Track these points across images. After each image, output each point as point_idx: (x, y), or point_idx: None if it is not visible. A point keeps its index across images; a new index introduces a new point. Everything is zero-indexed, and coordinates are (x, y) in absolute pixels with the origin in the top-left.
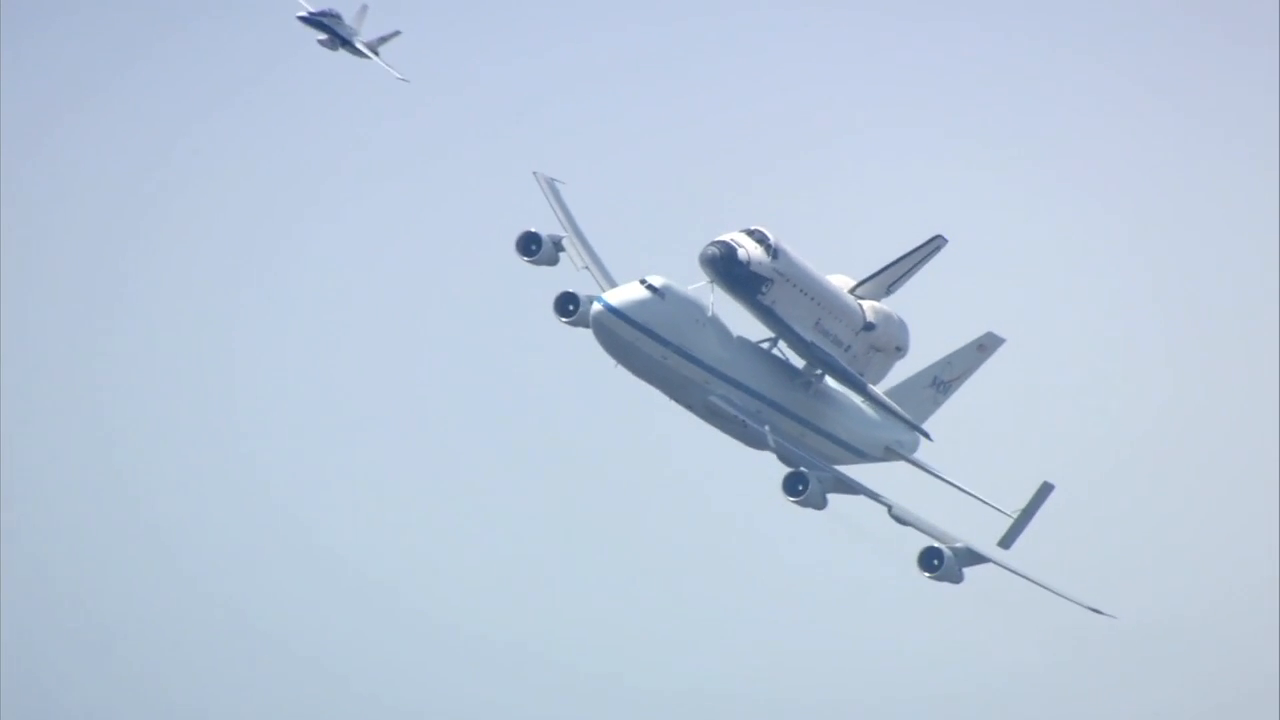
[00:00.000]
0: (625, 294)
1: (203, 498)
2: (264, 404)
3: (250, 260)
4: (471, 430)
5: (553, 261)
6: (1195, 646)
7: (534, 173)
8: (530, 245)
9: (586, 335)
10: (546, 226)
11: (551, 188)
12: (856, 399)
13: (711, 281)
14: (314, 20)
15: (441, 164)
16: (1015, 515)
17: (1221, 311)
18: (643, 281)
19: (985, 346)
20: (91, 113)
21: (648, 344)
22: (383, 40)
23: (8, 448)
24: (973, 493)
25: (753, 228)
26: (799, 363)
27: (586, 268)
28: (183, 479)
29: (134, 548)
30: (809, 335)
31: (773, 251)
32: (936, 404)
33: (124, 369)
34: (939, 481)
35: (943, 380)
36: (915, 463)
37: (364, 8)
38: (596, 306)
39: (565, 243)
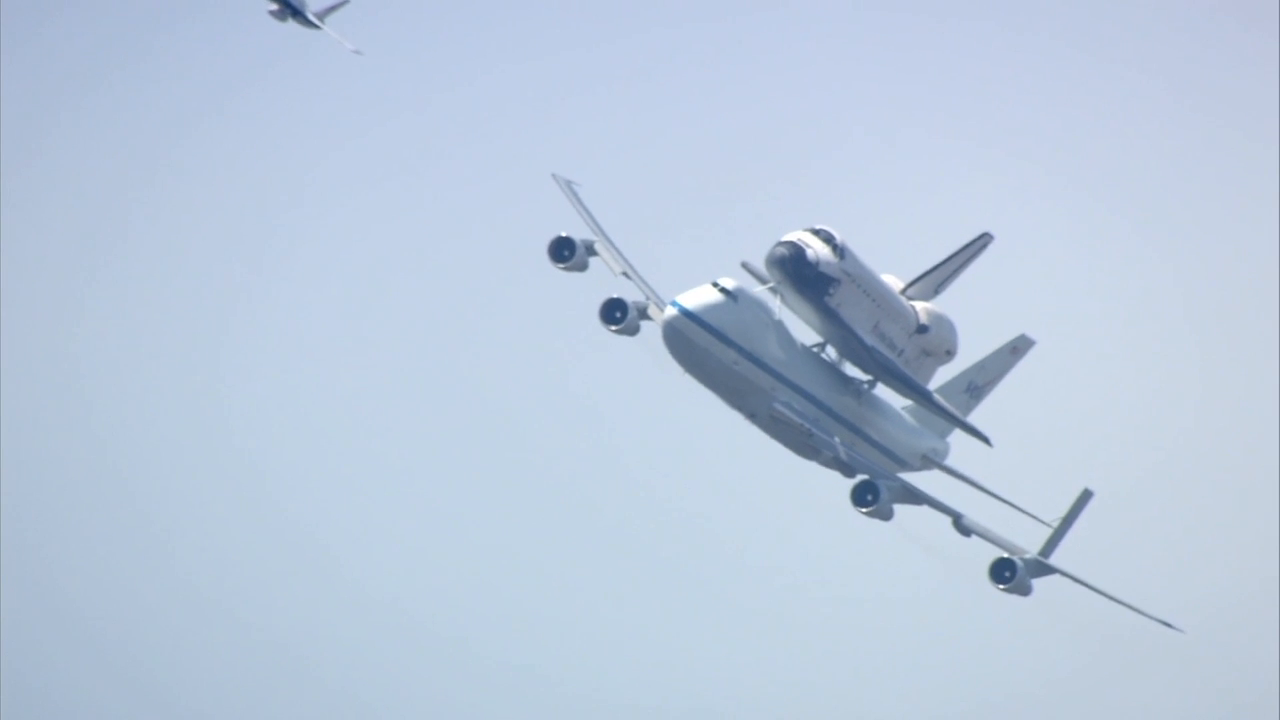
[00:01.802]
0: (700, 297)
1: (215, 505)
2: (268, 405)
3: (243, 256)
4: (511, 441)
5: (584, 267)
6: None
7: (553, 175)
8: (563, 251)
9: (629, 343)
10: (562, 228)
11: (570, 190)
12: (896, 406)
13: (778, 283)
14: None
15: (425, 152)
16: (1056, 523)
17: (1249, 312)
18: (715, 284)
19: (1018, 349)
20: (75, 110)
21: (720, 349)
22: (331, 9)
23: (8, 448)
24: (1009, 500)
25: (818, 227)
26: (849, 368)
27: (625, 273)
28: (185, 481)
29: (133, 548)
30: (870, 339)
31: (840, 251)
32: (969, 409)
33: (121, 370)
34: (972, 489)
35: (976, 385)
36: (950, 470)
37: None
38: (670, 311)
39: (598, 247)
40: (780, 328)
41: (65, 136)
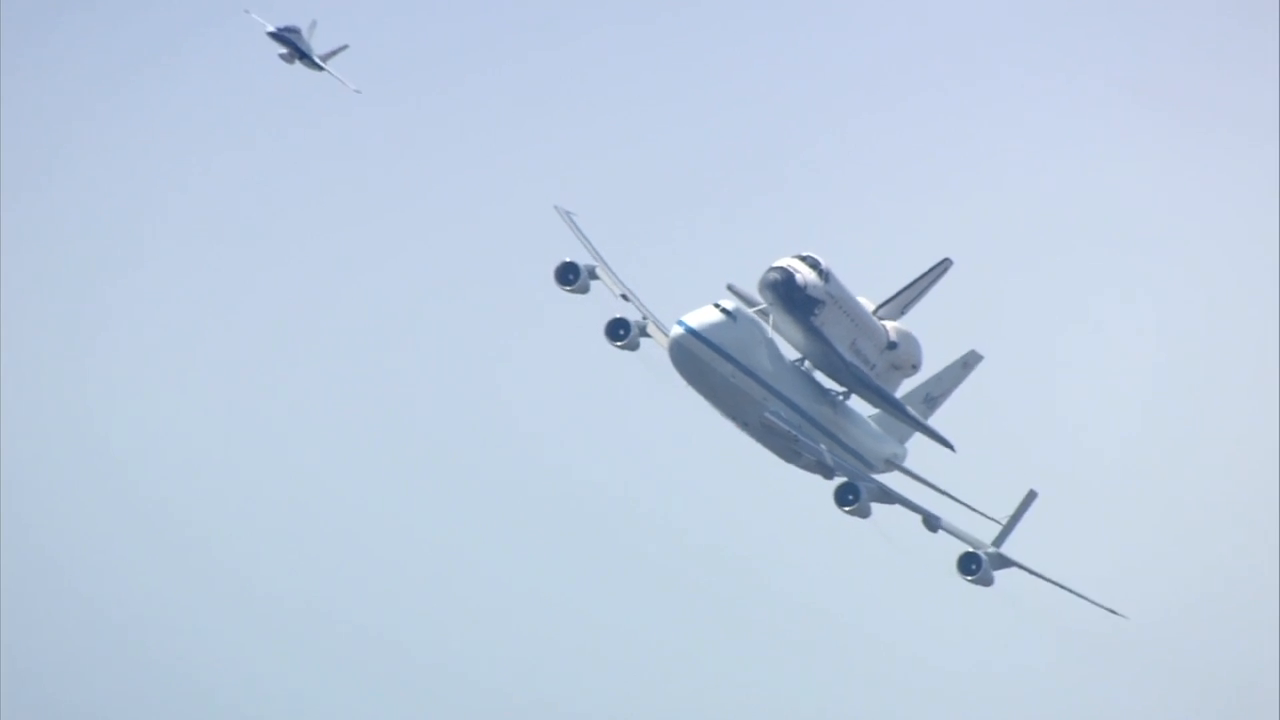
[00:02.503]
0: (703, 317)
1: (222, 511)
2: (277, 421)
3: (253, 286)
4: (521, 444)
5: (586, 290)
6: (1196, 646)
7: (555, 207)
8: (568, 275)
9: (629, 358)
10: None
11: (570, 220)
12: (863, 415)
13: (770, 304)
14: (280, 36)
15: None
16: (1004, 520)
17: (1216, 312)
18: (716, 305)
19: (968, 364)
20: (78, 132)
21: (721, 364)
22: (333, 54)
23: (8, 448)
24: (961, 499)
25: (805, 254)
26: (825, 381)
27: (624, 295)
28: (185, 481)
29: (132, 547)
30: (848, 355)
31: (825, 276)
32: (927, 417)
33: (119, 372)
34: (928, 490)
35: (933, 396)
36: (908, 472)
37: (314, 23)
38: (677, 330)
39: (599, 271)
40: (771, 344)
41: (76, 169)
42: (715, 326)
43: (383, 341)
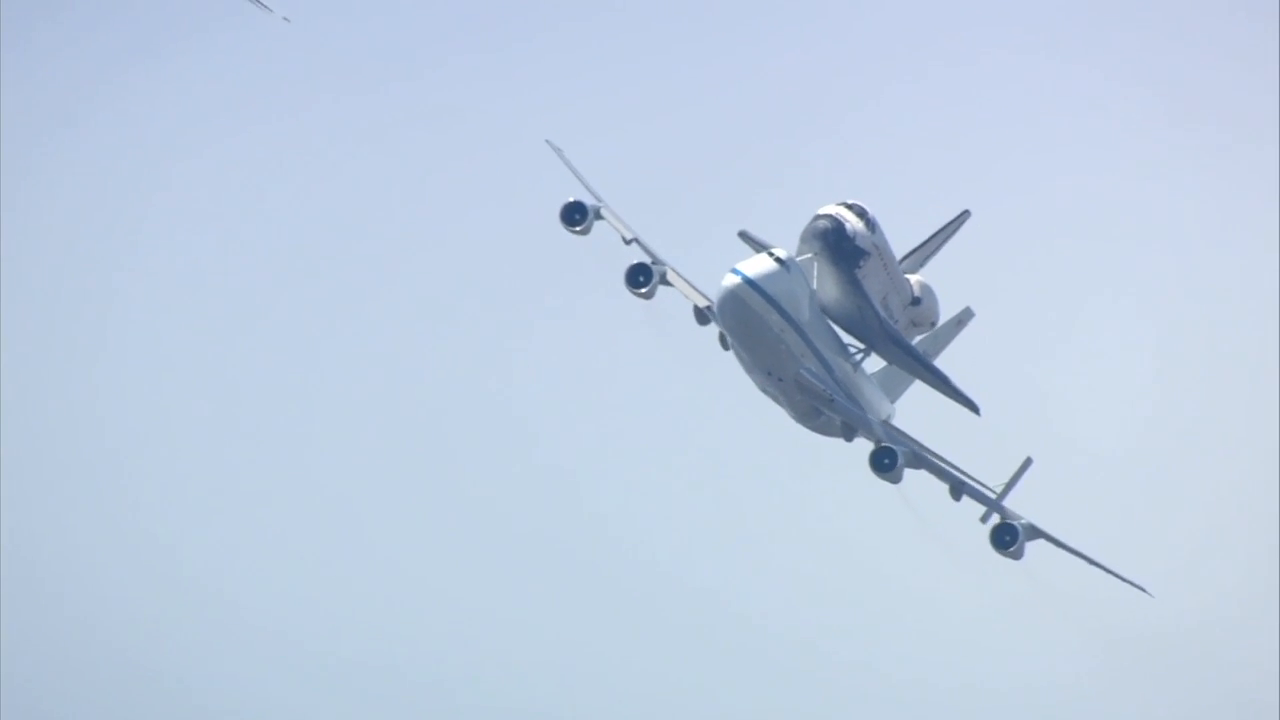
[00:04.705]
0: (760, 266)
1: (221, 508)
2: (268, 395)
3: (213, 245)
4: (531, 385)
5: (588, 232)
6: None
7: (547, 140)
8: (574, 215)
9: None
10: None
11: (564, 157)
12: (862, 373)
13: (816, 254)
14: None
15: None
16: (1000, 488)
17: (1221, 300)
18: (770, 253)
19: (962, 321)
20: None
21: (773, 316)
22: None
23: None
24: (954, 464)
25: (851, 201)
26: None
27: (635, 240)
28: (185, 482)
29: (132, 548)
30: (882, 309)
31: (871, 225)
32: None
33: (114, 369)
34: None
35: (928, 354)
36: (900, 432)
37: None
38: (732, 279)
39: (604, 212)
40: (813, 296)
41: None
42: (772, 276)
43: (367, 304)
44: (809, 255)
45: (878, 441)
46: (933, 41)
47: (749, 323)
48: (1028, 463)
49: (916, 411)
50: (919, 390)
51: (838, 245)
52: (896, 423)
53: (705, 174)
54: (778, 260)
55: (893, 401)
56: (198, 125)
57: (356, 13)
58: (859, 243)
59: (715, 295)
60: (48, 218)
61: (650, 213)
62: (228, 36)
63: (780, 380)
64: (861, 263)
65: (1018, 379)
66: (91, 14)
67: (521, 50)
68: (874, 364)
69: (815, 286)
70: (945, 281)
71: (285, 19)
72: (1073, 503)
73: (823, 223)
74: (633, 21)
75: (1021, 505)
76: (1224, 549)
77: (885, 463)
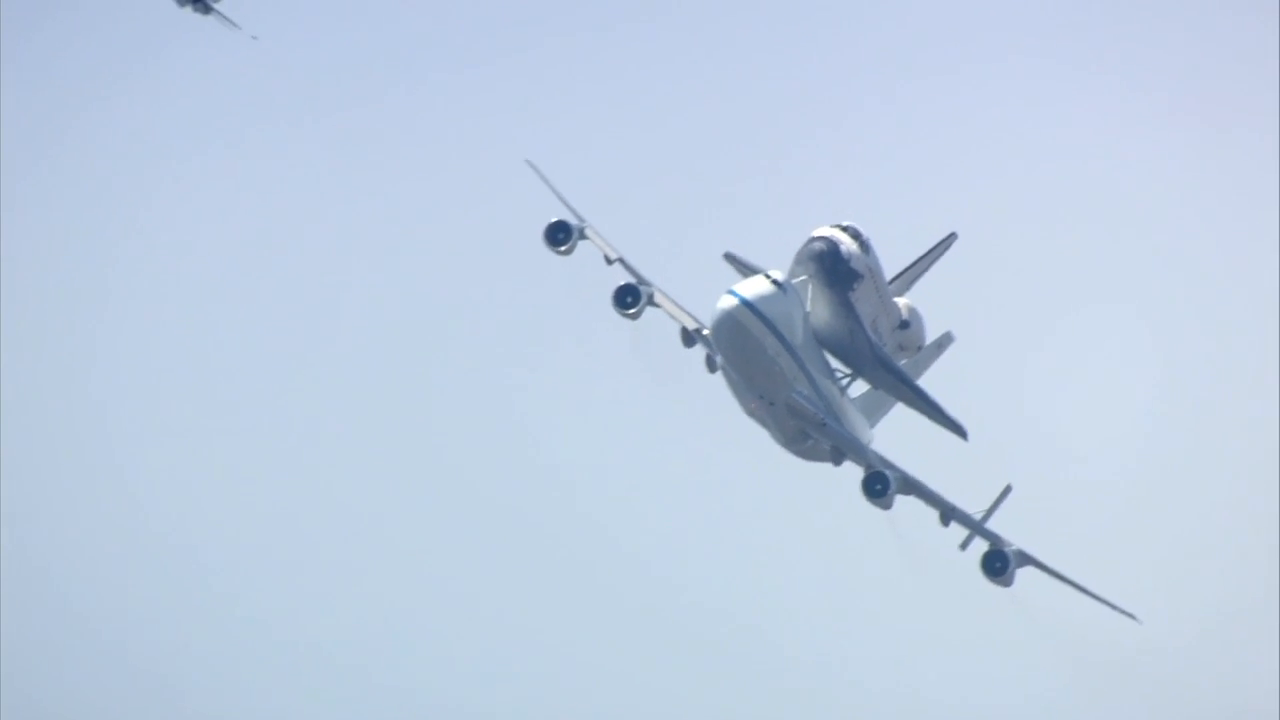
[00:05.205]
0: (757, 288)
1: (219, 512)
2: (259, 398)
3: (200, 254)
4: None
5: (572, 252)
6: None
7: (526, 160)
8: (558, 235)
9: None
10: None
11: (544, 178)
12: (847, 397)
13: (810, 276)
14: None
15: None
16: (981, 514)
17: (1214, 306)
18: (767, 275)
19: (941, 345)
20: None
21: (770, 339)
22: None
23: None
24: (934, 490)
25: (845, 223)
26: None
27: (619, 259)
28: (186, 482)
29: (133, 548)
30: (873, 334)
31: (865, 247)
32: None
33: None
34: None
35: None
36: (881, 458)
37: None
38: (730, 300)
39: (588, 232)
40: (806, 319)
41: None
42: (769, 299)
43: (365, 304)
44: (803, 277)
45: (869, 466)
46: (920, 60)
47: (745, 345)
48: (1007, 490)
49: (895, 436)
50: (898, 415)
51: (833, 268)
52: (875, 448)
53: (688, 195)
54: (774, 282)
55: (871, 427)
56: (174, 141)
57: (331, 31)
58: (853, 265)
59: (710, 317)
60: (48, 218)
61: (631, 233)
62: (196, 54)
63: (772, 404)
64: (855, 285)
65: (1001, 402)
66: (91, 14)
67: (500, 68)
68: (855, 388)
69: (809, 309)
70: (928, 304)
71: (253, 37)
72: (1059, 527)
73: (818, 245)
74: (613, 42)
75: (1008, 530)
76: (1216, 572)
77: (878, 488)
